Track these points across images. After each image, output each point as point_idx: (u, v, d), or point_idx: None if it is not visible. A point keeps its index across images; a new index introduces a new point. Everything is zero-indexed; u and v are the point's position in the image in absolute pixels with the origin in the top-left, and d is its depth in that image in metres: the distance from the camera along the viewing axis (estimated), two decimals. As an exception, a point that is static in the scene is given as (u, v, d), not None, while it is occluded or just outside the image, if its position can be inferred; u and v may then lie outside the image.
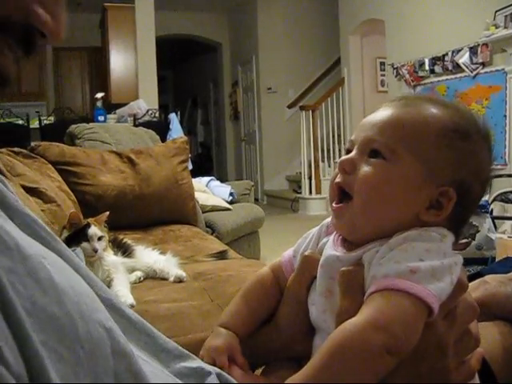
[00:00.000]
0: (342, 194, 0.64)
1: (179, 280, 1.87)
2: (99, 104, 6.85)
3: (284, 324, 0.69)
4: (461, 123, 0.64)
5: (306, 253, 0.69)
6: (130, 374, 0.44)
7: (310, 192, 7.61)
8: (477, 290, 0.87)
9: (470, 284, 0.89)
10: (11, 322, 0.34)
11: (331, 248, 0.66)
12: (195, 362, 0.58)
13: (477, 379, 0.62)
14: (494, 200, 4.06)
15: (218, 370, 0.59)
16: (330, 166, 7.80)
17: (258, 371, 0.70)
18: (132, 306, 1.58)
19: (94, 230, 1.79)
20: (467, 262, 2.73)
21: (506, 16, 4.79)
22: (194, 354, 0.59)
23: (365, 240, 0.63)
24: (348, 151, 0.67)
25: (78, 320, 0.40)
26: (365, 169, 0.63)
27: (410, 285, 0.54)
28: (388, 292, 0.54)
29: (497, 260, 2.76)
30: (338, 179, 0.64)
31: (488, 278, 0.90)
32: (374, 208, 0.62)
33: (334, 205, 0.65)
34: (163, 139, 4.63)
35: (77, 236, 1.76)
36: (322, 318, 0.64)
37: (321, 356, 0.53)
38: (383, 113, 0.66)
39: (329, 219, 0.71)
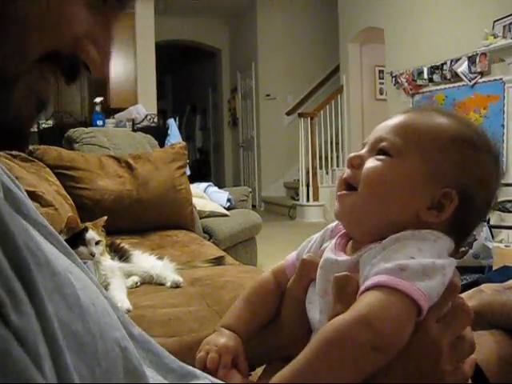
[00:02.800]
0: (348, 188, 0.66)
1: (176, 285, 1.87)
2: (98, 108, 6.85)
3: (284, 326, 0.70)
4: (471, 136, 0.65)
5: (304, 256, 0.70)
6: None
7: (308, 199, 7.61)
8: (472, 298, 0.88)
9: (466, 293, 0.90)
10: (48, 338, 0.34)
11: (331, 251, 0.67)
12: (199, 380, 0.58)
13: None
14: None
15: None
16: (327, 174, 7.81)
17: (258, 371, 0.70)
18: (128, 311, 1.58)
19: (92, 235, 1.79)
20: (464, 270, 2.73)
21: (504, 26, 4.81)
22: (189, 356, 0.59)
23: (362, 234, 0.64)
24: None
25: (98, 338, 0.40)
26: (370, 163, 0.65)
27: (398, 281, 0.54)
28: (377, 289, 0.55)
29: (494, 269, 2.77)
30: (345, 174, 0.67)
31: (484, 286, 0.90)
32: (376, 200, 0.63)
33: (338, 192, 0.67)
34: (161, 144, 4.64)
35: (74, 240, 1.76)
36: (318, 319, 0.65)
37: (307, 352, 0.54)
38: (396, 118, 0.69)
39: (333, 224, 0.72)
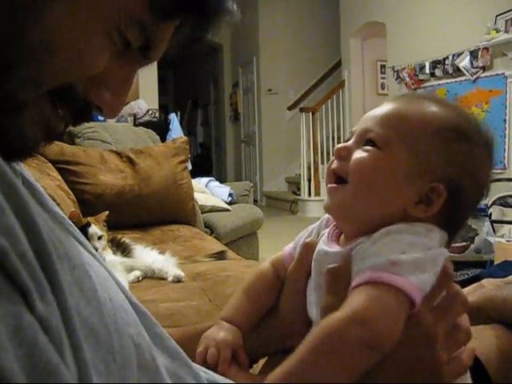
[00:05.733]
0: (337, 180, 0.65)
1: (178, 280, 1.88)
2: (99, 103, 6.84)
3: (284, 311, 0.70)
4: (461, 124, 0.64)
5: (307, 240, 0.70)
6: None
7: (309, 194, 7.61)
8: (473, 293, 0.88)
9: (467, 288, 0.90)
10: (68, 329, 0.34)
11: (324, 242, 0.66)
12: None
13: (469, 379, 0.62)
14: (493, 204, 4.07)
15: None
16: (329, 168, 7.79)
17: (257, 367, 0.70)
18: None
19: (94, 229, 1.80)
20: (466, 265, 2.74)
21: (506, 20, 4.80)
22: (189, 347, 0.59)
23: (351, 227, 0.64)
24: (347, 142, 0.68)
25: (113, 333, 0.40)
26: (357, 154, 0.64)
27: (391, 277, 0.53)
28: (369, 285, 0.54)
29: (495, 263, 2.77)
30: (333, 165, 0.66)
31: (485, 281, 0.90)
32: (365, 194, 0.62)
33: (328, 185, 0.66)
34: (163, 139, 4.63)
35: (76, 235, 1.76)
36: (312, 312, 0.65)
37: (302, 350, 0.53)
38: (385, 107, 0.67)
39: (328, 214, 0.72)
